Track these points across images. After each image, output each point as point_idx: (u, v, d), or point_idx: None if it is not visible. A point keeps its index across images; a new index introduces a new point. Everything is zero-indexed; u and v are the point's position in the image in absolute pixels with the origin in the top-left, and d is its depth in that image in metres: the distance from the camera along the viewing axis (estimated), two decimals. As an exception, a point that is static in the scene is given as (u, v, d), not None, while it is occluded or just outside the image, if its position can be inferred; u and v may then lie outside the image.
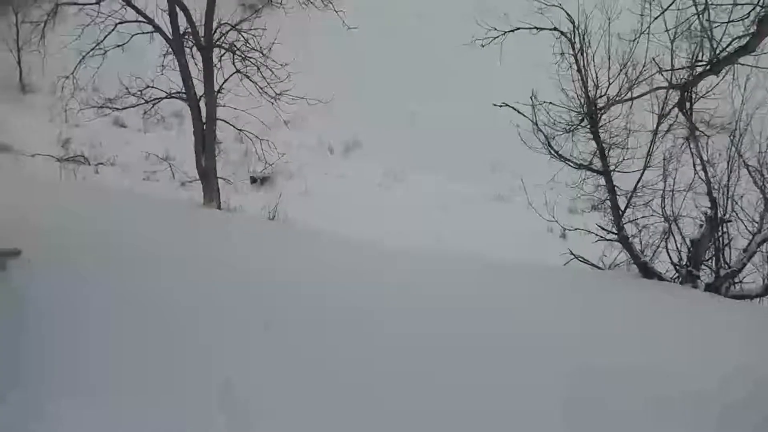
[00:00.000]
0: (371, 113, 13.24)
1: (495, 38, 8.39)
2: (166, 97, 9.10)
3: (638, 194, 7.28)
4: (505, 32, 8.45)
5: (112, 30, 8.61)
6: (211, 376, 3.19)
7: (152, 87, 9.04)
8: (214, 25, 8.74)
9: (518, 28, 8.34)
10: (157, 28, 8.64)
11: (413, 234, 8.98)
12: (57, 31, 9.11)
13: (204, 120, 8.75)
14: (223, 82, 8.88)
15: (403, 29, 14.61)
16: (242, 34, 8.91)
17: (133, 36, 8.85)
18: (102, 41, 8.64)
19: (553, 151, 7.48)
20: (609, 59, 7.62)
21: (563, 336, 3.92)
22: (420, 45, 14.46)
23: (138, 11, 8.58)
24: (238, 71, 8.94)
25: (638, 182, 7.25)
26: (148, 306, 3.72)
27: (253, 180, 11.76)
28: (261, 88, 8.94)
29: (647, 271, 6.98)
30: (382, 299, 4.28)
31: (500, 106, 7.90)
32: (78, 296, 3.54)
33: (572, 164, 7.47)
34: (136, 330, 3.46)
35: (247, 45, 8.90)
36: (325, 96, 10.19)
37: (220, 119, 9.02)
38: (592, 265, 7.41)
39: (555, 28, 7.69)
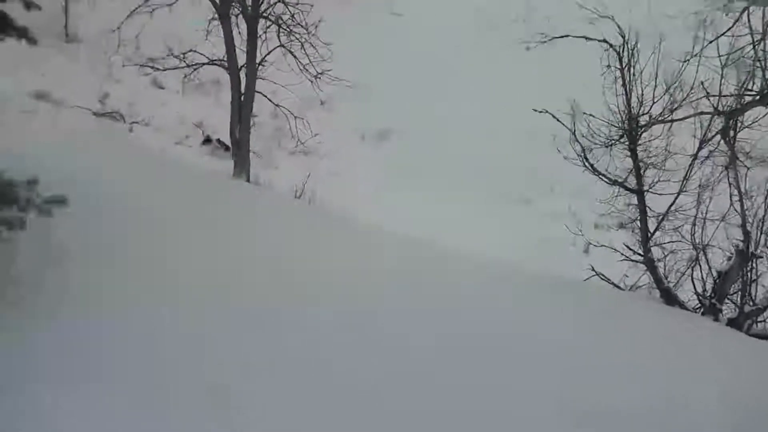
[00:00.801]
0: (407, 104, 13.15)
1: (542, 42, 8.32)
2: (207, 63, 9.13)
3: (669, 218, 7.20)
4: (552, 37, 8.38)
5: (162, -13, 8.64)
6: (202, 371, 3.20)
7: (195, 51, 9.06)
8: (263, -5, 8.73)
9: (566, 36, 8.27)
10: (206, -8, 8.65)
11: (424, 225, 8.91)
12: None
13: (243, 91, 8.77)
14: (266, 54, 8.88)
15: (452, 24, 14.46)
16: (289, 7, 8.88)
17: (180, -4, 8.88)
18: (150, -1, 8.68)
19: (588, 164, 7.41)
20: (656, 77, 7.52)
21: (576, 370, 3.87)
22: (465, 42, 14.32)
23: (189, -27, 8.60)
24: (281, 45, 8.93)
25: (671, 206, 7.17)
26: (170, 274, 3.76)
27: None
28: (303, 65, 8.93)
29: (669, 298, 6.91)
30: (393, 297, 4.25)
31: (540, 112, 7.84)
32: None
33: (606, 179, 7.40)
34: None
35: (293, 19, 8.87)
36: (364, 80, 10.17)
37: (258, 92, 9.03)
38: (613, 284, 7.35)
39: (604, 40, 7.59)
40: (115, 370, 2.95)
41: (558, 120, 7.49)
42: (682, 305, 6.89)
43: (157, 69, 9.51)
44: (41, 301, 3.12)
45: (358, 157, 12.31)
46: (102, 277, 3.44)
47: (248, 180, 8.79)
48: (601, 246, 7.73)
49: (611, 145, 7.45)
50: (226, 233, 4.55)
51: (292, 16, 8.84)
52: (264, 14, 8.73)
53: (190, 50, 9.03)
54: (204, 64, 9.14)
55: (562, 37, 8.07)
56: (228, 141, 9.32)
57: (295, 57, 8.92)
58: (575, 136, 7.47)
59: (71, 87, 11.38)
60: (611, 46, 7.44)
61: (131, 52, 9.97)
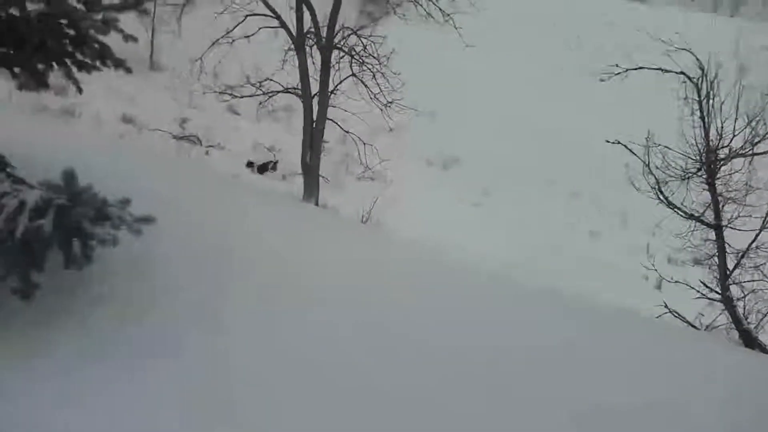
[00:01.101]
0: (474, 133, 13.20)
1: (617, 74, 8.21)
2: (282, 91, 9.46)
3: (750, 255, 6.87)
4: (627, 69, 8.25)
5: (242, 21, 9.05)
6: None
7: (271, 80, 9.41)
8: (337, 27, 9.02)
9: (642, 67, 8.12)
10: (283, 24, 9.00)
11: (496, 256, 8.85)
12: (190, 16, 9.70)
13: (315, 118, 9.03)
14: (338, 83, 9.14)
15: (521, 53, 14.50)
16: (362, 39, 9.13)
17: (260, 29, 9.27)
18: (231, 30, 9.10)
19: (662, 197, 7.19)
20: (737, 110, 7.27)
21: (651, 406, 3.71)
22: (534, 70, 14.29)
23: (268, 6, 8.97)
24: (353, 74, 9.17)
25: (752, 243, 6.85)
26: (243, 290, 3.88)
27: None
28: (374, 94, 9.13)
29: (749, 340, 6.57)
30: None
31: (612, 143, 7.71)
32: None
33: (682, 213, 7.15)
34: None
35: (366, 50, 9.11)
36: (432, 108, 10.30)
37: (330, 119, 9.28)
38: (688, 323, 7.05)
39: (682, 72, 7.41)
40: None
41: (631, 152, 7.34)
42: (763, 348, 6.53)
43: (235, 96, 9.92)
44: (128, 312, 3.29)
45: (424, 183, 12.40)
46: (188, 290, 3.59)
47: (317, 204, 8.99)
48: (676, 282, 7.44)
49: (688, 178, 7.21)
50: (292, 256, 4.66)
51: (365, 47, 9.08)
52: (338, 45, 9.00)
53: (267, 79, 9.38)
54: (279, 92, 9.48)
55: (637, 68, 7.93)
56: (298, 165, 9.60)
57: (366, 86, 9.13)
58: (649, 168, 7.28)
59: (154, 112, 12.04)
60: (689, 78, 7.26)
61: (210, 80, 10.45)
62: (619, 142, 7.58)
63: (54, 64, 3.63)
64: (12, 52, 3.46)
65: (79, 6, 3.39)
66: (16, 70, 3.55)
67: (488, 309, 4.49)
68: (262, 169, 11.77)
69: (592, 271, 9.75)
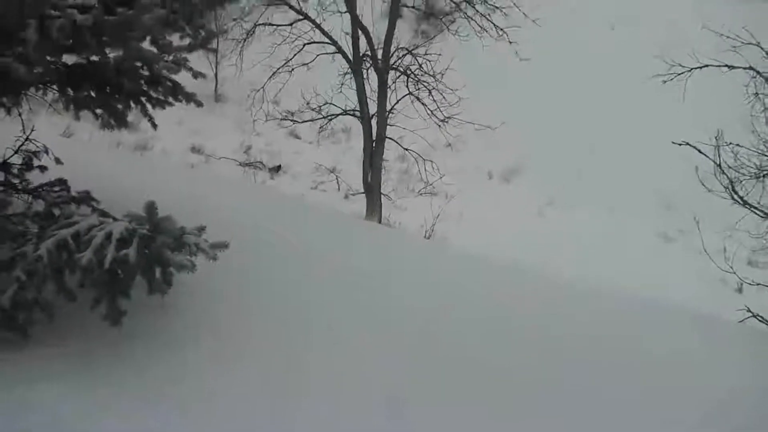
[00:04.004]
0: (534, 141, 13.06)
1: (679, 74, 8.00)
2: (341, 114, 9.69)
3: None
4: (691, 69, 8.03)
5: (301, 49, 9.36)
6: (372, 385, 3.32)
7: (330, 104, 9.66)
8: (392, 49, 9.18)
9: (706, 65, 7.89)
10: (340, 50, 9.25)
11: (568, 267, 8.69)
12: (251, 49, 10.08)
13: (374, 138, 9.19)
14: (395, 103, 9.29)
15: (577, 61, 14.29)
16: (417, 58, 9.26)
17: (317, 56, 9.55)
18: (290, 59, 9.41)
19: (737, 197, 6.92)
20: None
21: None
22: (593, 77, 14.05)
23: (324, 33, 9.24)
24: (410, 93, 9.31)
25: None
26: (314, 310, 3.99)
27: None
28: (431, 111, 9.23)
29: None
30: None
31: (680, 144, 7.49)
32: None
33: (759, 213, 6.86)
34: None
35: (421, 69, 9.24)
36: (489, 121, 10.29)
37: (388, 137, 9.43)
38: (774, 326, 6.71)
39: (750, 67, 7.16)
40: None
41: (700, 152, 7.10)
42: None
43: (295, 121, 10.24)
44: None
45: (486, 196, 12.34)
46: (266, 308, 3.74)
47: (380, 221, 9.12)
48: (758, 285, 7.11)
49: (764, 176, 6.92)
50: (361, 273, 4.74)
51: (420, 66, 9.20)
52: (394, 66, 9.16)
53: (326, 103, 9.63)
54: (338, 114, 9.72)
55: (702, 67, 7.71)
56: (359, 185, 9.77)
57: (423, 104, 9.24)
58: (721, 168, 7.02)
59: (221, 141, 12.53)
60: (758, 73, 7.01)
61: (272, 108, 10.81)
62: (687, 143, 7.36)
63: (131, 103, 3.88)
64: (93, 94, 3.74)
65: (153, 48, 3.63)
66: (98, 111, 3.82)
67: (624, 326, 4.38)
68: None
69: (669, 277, 9.43)
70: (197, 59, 4.01)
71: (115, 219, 3.13)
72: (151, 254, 2.91)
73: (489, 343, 3.95)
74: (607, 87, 13.80)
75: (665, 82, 8.15)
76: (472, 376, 3.53)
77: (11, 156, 3.82)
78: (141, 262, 2.87)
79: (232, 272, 3.75)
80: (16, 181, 3.73)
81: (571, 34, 14.85)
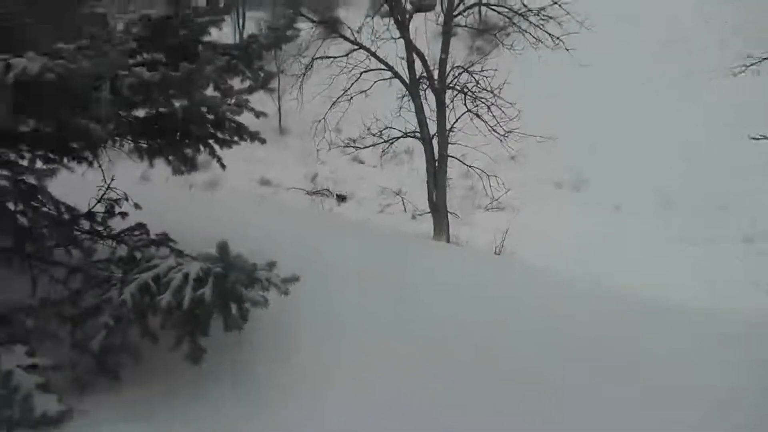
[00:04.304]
0: (601, 150, 12.74)
1: (751, 65, 7.66)
2: (402, 137, 9.79)
3: None
4: (763, 59, 7.69)
5: (358, 78, 9.54)
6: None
7: (390, 127, 9.79)
8: (448, 68, 9.23)
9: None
10: (396, 75, 9.37)
11: (632, 275, 8.33)
12: (311, 82, 10.37)
13: (436, 157, 9.22)
14: (455, 122, 9.30)
15: (638, 65, 13.91)
16: (473, 76, 9.26)
17: (375, 83, 9.71)
18: (349, 88, 9.62)
19: None
20: None
21: None
22: (655, 79, 13.62)
23: (380, 60, 9.40)
24: (468, 111, 9.30)
25: None
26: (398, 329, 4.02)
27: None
28: (491, 127, 9.19)
29: None
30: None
31: (758, 138, 7.16)
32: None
33: None
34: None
35: (478, 86, 9.22)
36: (552, 131, 10.14)
37: (451, 156, 9.43)
38: None
39: None
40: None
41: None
42: None
43: (358, 148, 10.41)
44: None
45: (555, 207, 12.10)
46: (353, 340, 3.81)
47: (448, 240, 9.10)
48: None
49: None
50: (421, 292, 4.74)
51: (477, 82, 9.20)
52: (450, 85, 9.20)
53: (386, 127, 9.76)
54: (399, 137, 9.82)
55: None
56: (425, 205, 9.80)
57: (483, 120, 9.22)
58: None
59: (286, 172, 12.91)
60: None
61: (334, 136, 11.05)
62: (765, 137, 7.03)
63: (200, 146, 4.08)
64: (164, 142, 3.95)
65: (216, 94, 3.82)
66: (170, 158, 4.03)
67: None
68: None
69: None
70: (260, 96, 4.18)
71: (193, 258, 3.28)
72: (226, 292, 3.02)
73: (543, 355, 3.89)
74: (672, 87, 13.34)
75: (735, 75, 7.83)
76: (524, 389, 3.51)
77: (95, 205, 4.08)
78: (216, 300, 2.99)
79: (303, 304, 3.84)
80: (100, 228, 3.97)
81: (629, 37, 14.48)
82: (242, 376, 3.36)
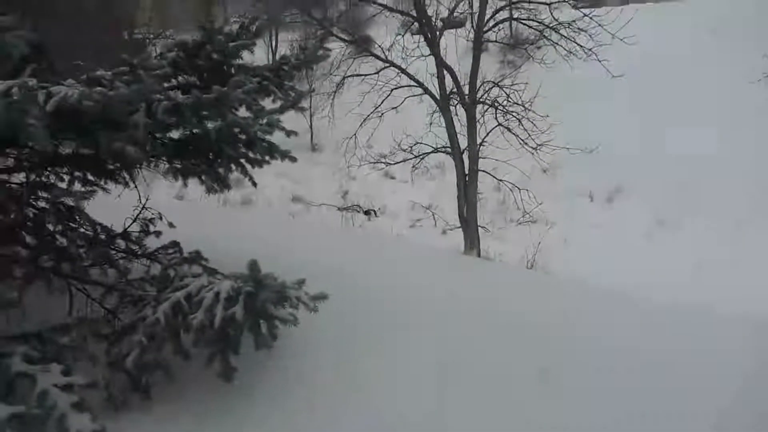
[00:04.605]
0: (635, 159, 12.54)
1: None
2: (432, 152, 9.79)
3: None
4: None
5: (388, 95, 9.59)
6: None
7: (420, 143, 9.80)
8: (478, 83, 9.21)
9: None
10: (427, 90, 9.39)
11: (679, 287, 8.13)
12: (342, 99, 10.47)
13: (467, 172, 9.19)
14: (485, 136, 9.26)
15: (673, 72, 13.69)
16: (504, 90, 9.23)
17: (405, 99, 9.75)
18: (379, 105, 9.67)
19: None
20: None
21: None
22: (690, 85, 13.38)
23: (410, 77, 9.44)
24: (499, 125, 9.26)
25: None
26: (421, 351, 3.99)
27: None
28: (522, 140, 9.13)
29: None
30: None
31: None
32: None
33: None
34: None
35: (509, 99, 9.18)
36: (586, 142, 10.02)
37: (482, 170, 9.38)
38: None
39: None
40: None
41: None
42: None
43: (389, 164, 10.43)
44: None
45: (588, 220, 11.94)
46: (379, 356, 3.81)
47: (479, 255, 9.03)
48: None
49: None
50: (463, 307, 4.71)
51: (508, 96, 9.16)
52: (481, 100, 9.18)
53: (417, 143, 9.77)
54: (429, 152, 9.81)
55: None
56: (456, 219, 9.77)
57: (514, 134, 9.17)
58: None
59: (319, 188, 13.03)
60: None
61: (366, 152, 11.10)
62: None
63: (232, 166, 4.16)
64: (197, 163, 4.05)
65: (248, 114, 3.90)
66: (203, 177, 4.12)
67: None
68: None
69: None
70: (292, 114, 4.25)
71: (225, 276, 3.34)
72: (256, 310, 3.06)
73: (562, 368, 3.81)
74: (707, 93, 13.08)
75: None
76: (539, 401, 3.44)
77: (130, 224, 4.19)
78: (247, 318, 3.03)
79: (331, 321, 3.86)
80: (135, 247, 4.07)
81: (663, 45, 14.27)
82: (270, 393, 3.39)
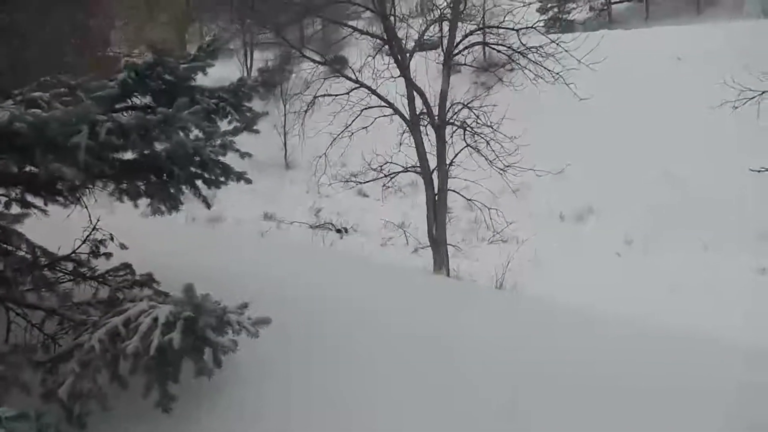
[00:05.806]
0: (605, 180, 12.69)
1: (750, 99, 7.64)
2: (402, 171, 9.83)
3: None
4: (763, 92, 7.66)
5: (359, 115, 9.64)
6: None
7: (391, 162, 9.84)
8: (448, 104, 9.30)
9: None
10: (397, 111, 9.46)
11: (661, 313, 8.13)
12: (313, 118, 10.48)
13: (436, 191, 9.23)
14: (454, 156, 9.33)
15: (636, 95, 13.94)
16: (473, 111, 9.32)
17: (375, 119, 9.80)
18: (350, 125, 9.71)
19: None
20: None
21: None
22: (656, 108, 13.63)
23: (381, 98, 9.50)
24: (468, 146, 9.34)
25: None
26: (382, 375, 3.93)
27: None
28: (490, 161, 9.20)
29: None
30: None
31: (759, 171, 7.10)
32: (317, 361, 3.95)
33: None
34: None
35: (478, 121, 9.27)
36: (554, 163, 10.13)
37: (451, 189, 9.43)
38: None
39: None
40: None
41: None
42: None
43: (359, 182, 10.45)
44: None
45: (558, 239, 12.01)
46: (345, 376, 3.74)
47: (448, 274, 9.03)
48: None
49: None
50: (431, 328, 4.65)
51: (477, 118, 9.25)
52: (450, 121, 9.26)
53: (387, 162, 9.82)
54: (399, 172, 9.86)
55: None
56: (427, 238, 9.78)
57: (481, 155, 9.24)
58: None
59: (291, 206, 12.96)
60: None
61: (337, 171, 11.11)
62: (766, 169, 6.97)
63: (183, 187, 4.11)
64: (145, 183, 3.99)
65: (201, 135, 3.86)
66: (152, 198, 4.06)
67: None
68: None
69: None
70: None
71: (164, 302, 3.27)
72: (196, 336, 3.00)
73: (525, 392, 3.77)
74: (673, 118, 13.33)
75: (736, 107, 7.80)
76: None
77: (79, 246, 4.10)
78: (186, 345, 2.96)
79: (281, 346, 3.79)
80: (83, 269, 3.98)
81: (630, 69, 14.53)
82: (215, 423, 3.31)
